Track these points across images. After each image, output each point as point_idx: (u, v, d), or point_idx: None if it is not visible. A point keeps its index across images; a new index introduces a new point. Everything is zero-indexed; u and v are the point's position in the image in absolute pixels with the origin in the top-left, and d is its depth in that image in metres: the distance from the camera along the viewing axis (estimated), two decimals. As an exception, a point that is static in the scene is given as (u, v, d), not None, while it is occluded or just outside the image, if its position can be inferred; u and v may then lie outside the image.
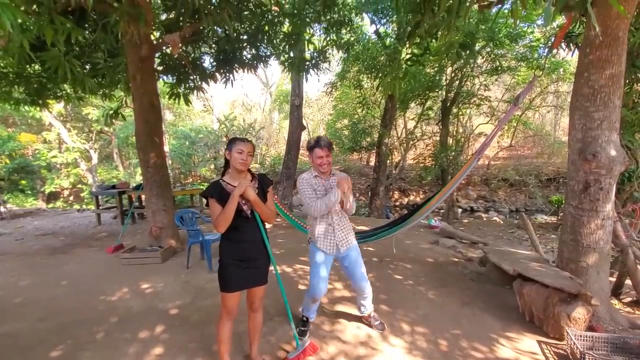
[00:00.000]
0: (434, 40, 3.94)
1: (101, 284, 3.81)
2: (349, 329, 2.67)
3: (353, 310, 2.95)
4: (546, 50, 8.91)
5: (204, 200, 13.99)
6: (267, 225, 2.15)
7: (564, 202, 10.43)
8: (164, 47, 5.35)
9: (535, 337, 2.54)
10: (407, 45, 4.03)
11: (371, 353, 2.36)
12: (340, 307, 3.03)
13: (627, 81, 6.99)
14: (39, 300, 3.40)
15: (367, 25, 10.67)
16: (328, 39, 6.38)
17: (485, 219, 12.17)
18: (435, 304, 3.10)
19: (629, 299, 3.61)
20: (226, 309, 2.03)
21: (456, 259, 4.32)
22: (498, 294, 3.26)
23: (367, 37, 9.84)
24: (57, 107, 13.94)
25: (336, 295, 3.29)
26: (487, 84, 12.24)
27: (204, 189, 2.04)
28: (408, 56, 4.05)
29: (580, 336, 2.27)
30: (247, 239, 2.03)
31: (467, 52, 3.62)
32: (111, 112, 5.58)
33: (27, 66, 5.27)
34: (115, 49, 5.35)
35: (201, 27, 5.19)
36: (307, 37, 6.31)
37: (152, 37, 5.17)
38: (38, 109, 6.46)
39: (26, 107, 6.72)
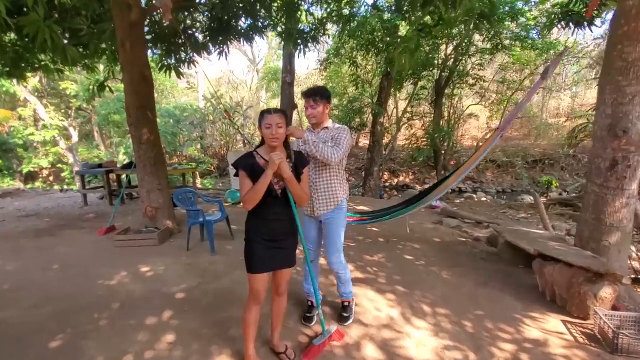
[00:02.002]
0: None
1: (97, 267, 3.57)
2: (369, 312, 2.57)
3: (369, 292, 2.86)
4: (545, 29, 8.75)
5: (198, 179, 13.50)
6: None
7: (554, 182, 10.49)
8: (155, 13, 4.93)
9: (560, 317, 2.51)
10: (420, 15, 3.77)
11: (398, 336, 2.27)
12: (356, 289, 2.91)
13: None
14: (30, 286, 3.15)
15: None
16: (328, 9, 6.04)
17: (476, 200, 12.30)
18: (451, 284, 3.03)
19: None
20: (253, 293, 1.86)
21: (463, 239, 4.27)
22: (512, 273, 3.22)
23: (364, 10, 9.43)
24: (33, 81, 13.08)
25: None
26: (483, 64, 12.09)
27: (236, 160, 1.83)
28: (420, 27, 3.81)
29: (610, 316, 2.23)
30: (276, 217, 1.85)
31: (486, 22, 3.42)
32: (97, 84, 5.16)
33: (3, 34, 4.78)
34: (98, 16, 4.90)
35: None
36: (305, 7, 5.95)
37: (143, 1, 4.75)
38: (14, 82, 5.94)
39: (1, 81, 6.20)
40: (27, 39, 4.69)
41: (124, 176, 6.76)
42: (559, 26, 7.01)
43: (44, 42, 4.02)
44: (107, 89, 5.29)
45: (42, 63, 5.92)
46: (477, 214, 8.48)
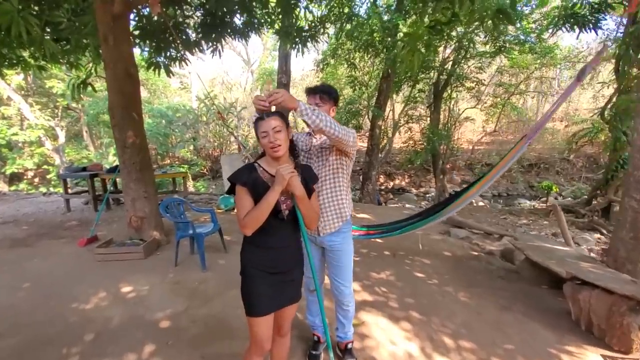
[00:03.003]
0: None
1: (72, 286, 3.19)
2: (383, 346, 2.24)
3: (381, 319, 2.53)
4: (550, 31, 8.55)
5: (190, 182, 12.97)
6: None
7: (554, 187, 10.28)
8: (141, 7, 4.56)
9: (598, 349, 2.21)
10: (430, 11, 3.47)
11: (419, 380, 1.95)
12: (365, 315, 2.59)
13: (620, 63, 6.80)
14: (-7, 310, 2.77)
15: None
16: (329, 6, 5.73)
17: (474, 204, 12.09)
18: (470, 308, 2.72)
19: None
20: (256, 340, 1.51)
21: (475, 253, 3.98)
22: (536, 295, 2.92)
23: (367, 7, 9.12)
24: (17, 79, 12.55)
25: (356, 300, 2.85)
26: (482, 66, 11.89)
27: (233, 173, 1.49)
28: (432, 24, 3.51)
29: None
30: (282, 244, 1.52)
31: (505, 19, 3.13)
32: (79, 82, 4.76)
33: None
34: (80, 9, 4.52)
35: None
36: (303, 5, 5.63)
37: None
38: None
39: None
40: (1, 32, 4.29)
41: (108, 180, 6.35)
42: (564, 29, 6.84)
43: (19, 35, 3.66)
44: (90, 88, 4.88)
45: (21, 58, 5.52)
46: (479, 220, 8.23)
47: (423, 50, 3.60)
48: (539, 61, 12.88)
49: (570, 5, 6.71)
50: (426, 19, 3.55)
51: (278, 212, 1.46)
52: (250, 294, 1.48)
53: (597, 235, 6.69)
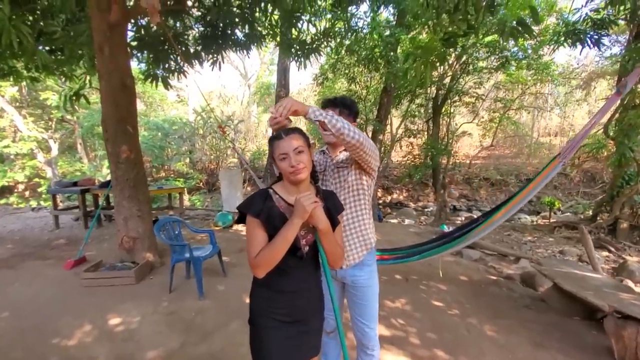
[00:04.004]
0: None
1: (55, 317, 2.88)
2: (409, 394, 1.96)
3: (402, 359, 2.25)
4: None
5: (186, 195, 12.67)
6: None
7: (556, 203, 10.13)
8: (140, 16, 4.38)
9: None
10: (444, 23, 3.32)
11: None
12: (385, 355, 2.30)
13: (623, 79, 6.78)
14: (-37, 347, 2.45)
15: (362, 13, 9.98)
16: (333, 19, 5.62)
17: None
18: (500, 345, 2.45)
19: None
20: None
21: (493, 277, 3.72)
22: (569, 328, 2.66)
23: (363, 23, 9.09)
24: (11, 90, 12.32)
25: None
26: (482, 82, 11.88)
27: (243, 201, 1.24)
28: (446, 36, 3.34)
29: None
30: (301, 287, 1.27)
31: (525, 31, 2.97)
32: (71, 93, 4.52)
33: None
34: (76, 18, 4.34)
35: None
36: (307, 17, 5.50)
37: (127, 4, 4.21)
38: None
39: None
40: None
41: (101, 195, 6.04)
42: (565, 44, 6.81)
43: (10, 44, 3.45)
44: (83, 99, 4.64)
45: (13, 69, 5.29)
46: (485, 238, 8.01)
47: (437, 63, 3.43)
48: (535, 77, 12.96)
49: (571, 22, 6.72)
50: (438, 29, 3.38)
51: (297, 249, 1.21)
52: (261, 350, 1.22)
53: (605, 253, 6.49)
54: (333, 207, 1.31)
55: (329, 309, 1.55)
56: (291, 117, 1.28)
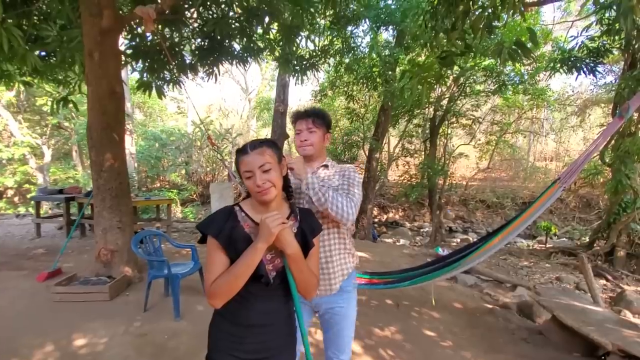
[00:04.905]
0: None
1: (17, 335, 2.66)
2: None
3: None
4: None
5: (179, 207, 12.40)
6: None
7: (553, 228, 10.06)
8: (134, 23, 4.33)
9: None
10: (442, 42, 3.27)
11: None
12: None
13: (618, 107, 6.82)
14: None
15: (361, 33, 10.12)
16: (331, 36, 5.63)
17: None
18: (495, 383, 2.26)
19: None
20: None
21: (489, 305, 3.53)
22: (569, 366, 2.48)
23: (363, 42, 9.19)
24: (7, 95, 12.26)
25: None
26: (479, 104, 11.96)
27: (203, 219, 1.10)
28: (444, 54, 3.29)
29: None
30: (263, 321, 1.09)
31: (522, 52, 2.92)
32: (59, 98, 4.42)
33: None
34: (72, 23, 4.28)
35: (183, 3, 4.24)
36: (306, 33, 5.50)
37: (121, 12, 4.16)
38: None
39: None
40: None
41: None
42: (561, 71, 6.88)
43: (0, 46, 3.37)
44: (72, 105, 4.54)
45: (5, 72, 5.20)
46: (481, 263, 7.84)
47: (434, 81, 3.37)
48: (531, 102, 13.10)
49: (567, 49, 6.82)
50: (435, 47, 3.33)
51: (261, 275, 1.05)
52: None
53: (603, 282, 6.35)
54: (308, 229, 1.16)
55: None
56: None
